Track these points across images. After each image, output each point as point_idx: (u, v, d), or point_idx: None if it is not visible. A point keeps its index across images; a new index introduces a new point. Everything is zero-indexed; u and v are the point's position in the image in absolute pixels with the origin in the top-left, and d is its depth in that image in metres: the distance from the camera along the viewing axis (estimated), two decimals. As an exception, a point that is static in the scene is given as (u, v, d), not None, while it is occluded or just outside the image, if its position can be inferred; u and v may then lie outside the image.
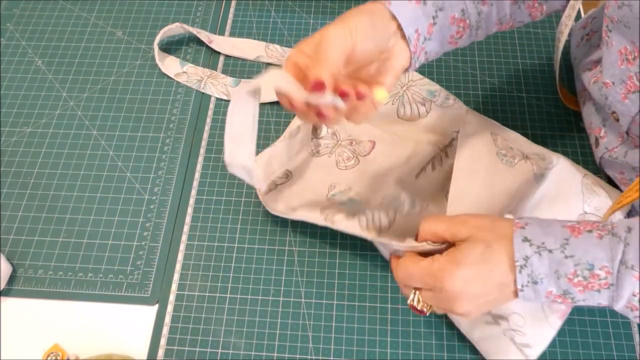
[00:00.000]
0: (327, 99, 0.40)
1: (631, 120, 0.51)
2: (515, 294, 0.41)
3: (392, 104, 0.61)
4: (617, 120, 0.52)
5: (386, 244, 0.49)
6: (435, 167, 0.58)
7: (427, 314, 0.45)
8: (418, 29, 0.46)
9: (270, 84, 0.41)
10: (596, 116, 0.58)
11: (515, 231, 0.41)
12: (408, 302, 0.45)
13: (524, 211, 0.50)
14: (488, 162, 0.51)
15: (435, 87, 0.61)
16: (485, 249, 0.41)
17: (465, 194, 0.49)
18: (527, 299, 0.41)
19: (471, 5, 0.48)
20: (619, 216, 0.50)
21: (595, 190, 0.53)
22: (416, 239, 0.46)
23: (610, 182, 0.59)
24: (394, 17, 0.44)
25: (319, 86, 0.40)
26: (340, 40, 0.41)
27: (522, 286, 0.40)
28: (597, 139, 0.57)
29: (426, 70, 0.68)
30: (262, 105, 0.66)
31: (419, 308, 0.45)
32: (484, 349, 0.50)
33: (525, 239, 0.40)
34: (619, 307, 0.39)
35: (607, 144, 0.56)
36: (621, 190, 0.58)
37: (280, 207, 0.55)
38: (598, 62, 0.57)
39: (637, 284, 0.38)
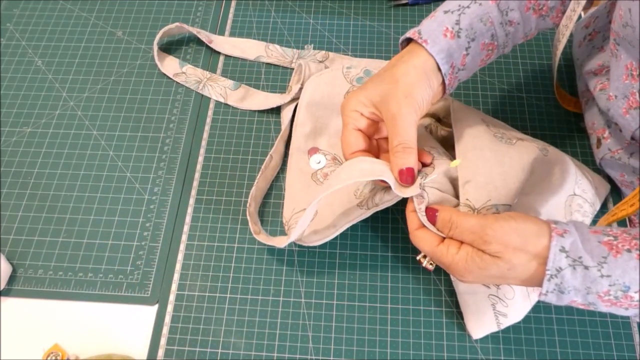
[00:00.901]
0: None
1: (631, 134, 0.51)
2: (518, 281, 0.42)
3: None
4: (620, 131, 0.52)
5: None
6: (432, 133, 0.58)
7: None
8: (453, 63, 0.47)
9: (369, 178, 0.46)
10: (600, 117, 0.58)
11: (553, 238, 0.39)
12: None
13: (540, 188, 0.51)
14: (489, 141, 0.50)
15: None
16: (510, 268, 0.41)
17: (476, 173, 0.48)
18: (547, 302, 0.41)
19: (500, 28, 0.49)
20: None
21: (583, 173, 0.55)
22: (428, 216, 0.46)
23: (611, 182, 0.59)
24: (439, 68, 0.47)
25: (411, 174, 0.46)
26: (413, 118, 0.45)
27: (547, 292, 0.40)
28: (599, 140, 0.57)
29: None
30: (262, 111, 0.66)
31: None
32: (464, 301, 0.51)
33: (563, 249, 0.39)
34: None
35: (610, 145, 0.56)
36: (619, 189, 0.58)
37: (320, 235, 0.54)
38: (603, 66, 0.57)
39: None
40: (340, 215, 0.54)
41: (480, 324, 0.51)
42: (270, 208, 0.60)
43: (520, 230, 0.41)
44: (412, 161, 0.45)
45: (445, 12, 0.48)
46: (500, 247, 0.40)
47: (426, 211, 0.46)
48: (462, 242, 0.43)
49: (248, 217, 0.57)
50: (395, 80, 0.45)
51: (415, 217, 0.46)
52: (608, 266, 0.38)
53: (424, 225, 0.46)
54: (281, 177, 0.62)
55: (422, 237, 0.45)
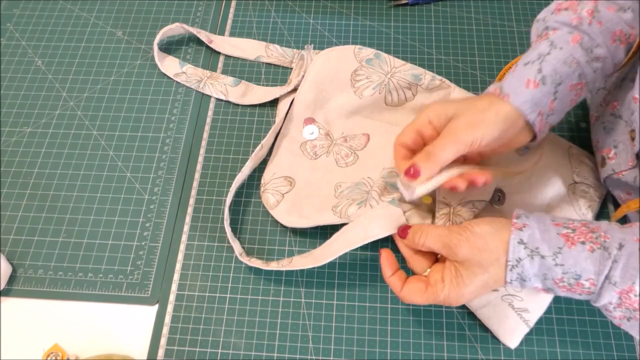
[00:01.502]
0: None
1: None
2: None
3: (379, 93, 0.62)
4: (633, 139, 0.51)
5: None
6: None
7: None
8: (541, 110, 0.46)
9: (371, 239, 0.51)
10: (605, 136, 0.56)
11: (512, 232, 0.43)
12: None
13: (518, 185, 0.53)
14: None
15: (419, 70, 0.62)
16: (484, 273, 0.44)
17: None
18: (514, 287, 0.45)
19: (587, 66, 0.47)
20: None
21: (582, 160, 0.57)
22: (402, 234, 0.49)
23: (615, 202, 0.58)
24: (522, 115, 0.46)
25: (417, 174, 0.46)
26: (457, 148, 0.45)
27: (511, 280, 0.44)
28: (603, 159, 0.56)
29: (426, 68, 0.68)
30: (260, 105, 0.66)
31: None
32: (484, 316, 0.52)
33: (521, 242, 0.43)
34: (596, 305, 0.42)
35: (615, 166, 0.53)
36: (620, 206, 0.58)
37: (293, 218, 0.56)
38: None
39: (615, 297, 0.40)
40: (314, 210, 0.56)
41: (510, 330, 0.50)
42: (252, 198, 0.60)
43: (482, 234, 0.44)
44: (424, 167, 0.46)
45: (525, 64, 0.47)
46: (467, 249, 0.44)
47: (399, 230, 0.49)
48: (442, 275, 0.45)
49: (225, 209, 0.57)
50: (474, 111, 0.46)
51: (394, 279, 0.48)
52: (562, 256, 0.41)
53: (404, 282, 0.47)
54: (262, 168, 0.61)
55: (410, 291, 0.47)
